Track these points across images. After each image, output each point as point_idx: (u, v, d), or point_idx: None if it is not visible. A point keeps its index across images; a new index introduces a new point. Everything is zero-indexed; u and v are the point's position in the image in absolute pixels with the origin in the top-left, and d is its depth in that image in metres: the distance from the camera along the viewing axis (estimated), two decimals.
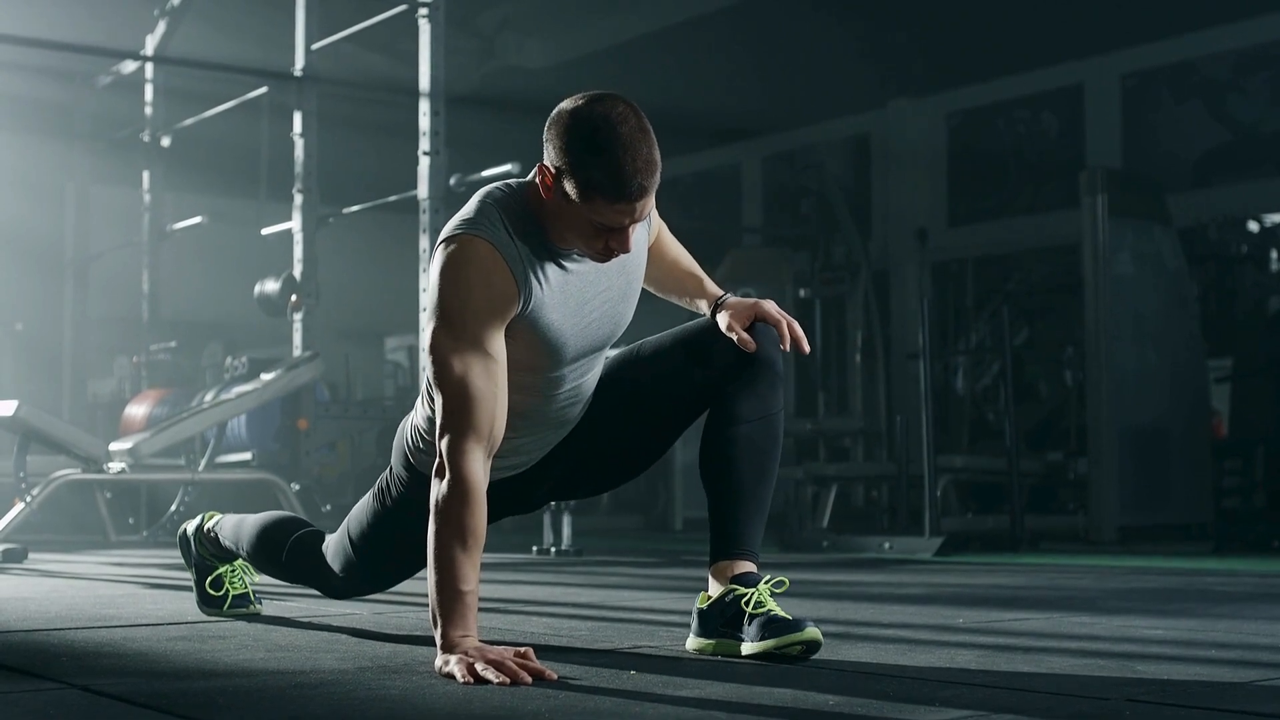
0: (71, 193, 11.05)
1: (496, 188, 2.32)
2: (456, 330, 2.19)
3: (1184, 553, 6.48)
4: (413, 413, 2.53)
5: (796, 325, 2.43)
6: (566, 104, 2.21)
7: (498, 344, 2.22)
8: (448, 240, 2.24)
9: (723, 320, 2.43)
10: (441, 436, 2.20)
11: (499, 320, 2.22)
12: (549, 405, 2.41)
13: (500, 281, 2.21)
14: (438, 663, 2.11)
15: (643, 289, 2.52)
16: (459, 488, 2.16)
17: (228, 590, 3.03)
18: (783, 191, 12.43)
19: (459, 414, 2.18)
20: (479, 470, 2.19)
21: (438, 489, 2.18)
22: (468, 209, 2.28)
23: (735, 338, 2.39)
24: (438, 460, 2.20)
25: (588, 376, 2.44)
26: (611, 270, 2.36)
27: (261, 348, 9.39)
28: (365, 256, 11.72)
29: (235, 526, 2.91)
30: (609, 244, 2.23)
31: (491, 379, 2.20)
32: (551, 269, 2.28)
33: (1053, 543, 7.25)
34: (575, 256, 2.30)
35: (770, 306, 2.43)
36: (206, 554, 3.02)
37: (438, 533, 2.17)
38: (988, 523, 7.27)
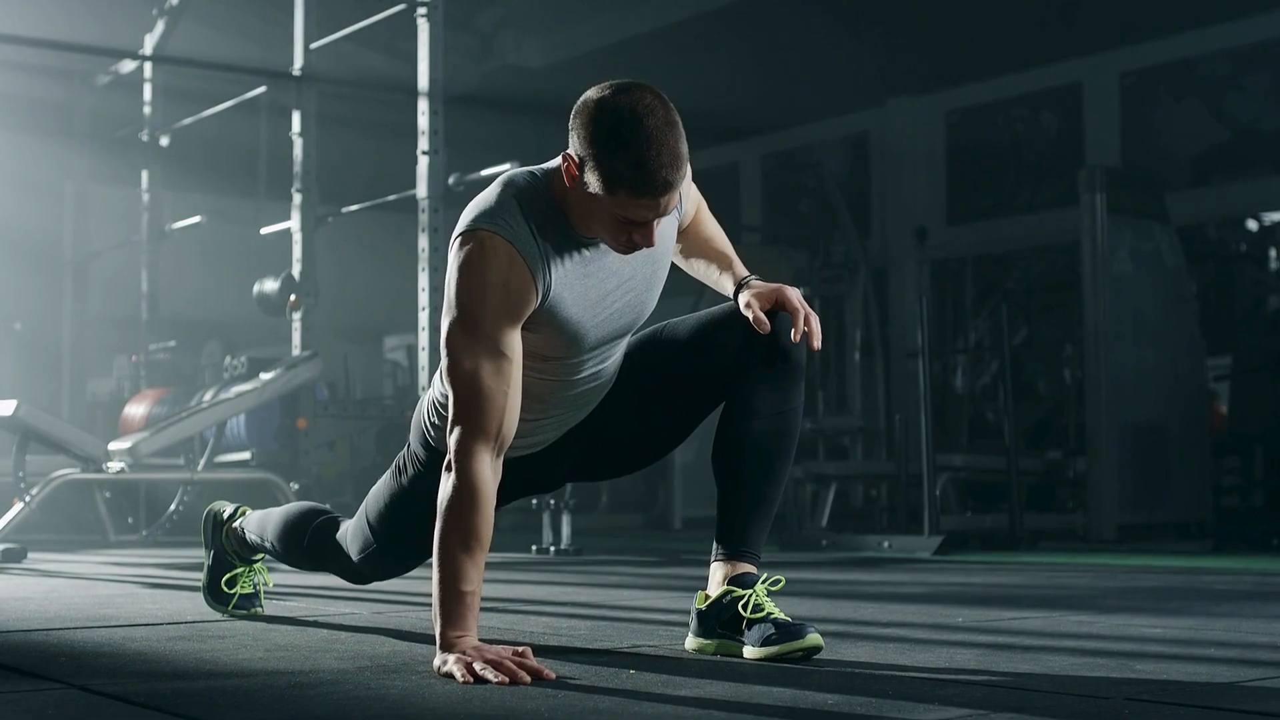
0: (70, 192, 11.04)
1: (520, 174, 2.27)
2: (471, 328, 2.18)
3: (1183, 551, 6.49)
4: (430, 389, 2.49)
5: (814, 318, 2.38)
6: (593, 93, 2.16)
7: (512, 342, 2.20)
8: (467, 235, 2.20)
9: (743, 299, 2.40)
10: (451, 432, 2.19)
11: (515, 319, 2.20)
12: (568, 390, 2.39)
13: (518, 281, 2.18)
14: (436, 662, 2.11)
15: (671, 263, 2.47)
16: (465, 489, 2.16)
17: (238, 591, 3.03)
18: (782, 190, 12.44)
19: (469, 413, 2.17)
20: (486, 471, 2.18)
21: (445, 488, 2.18)
22: (488, 198, 2.24)
23: (751, 316, 2.35)
24: (447, 457, 2.20)
25: (609, 362, 2.42)
26: (637, 258, 2.31)
27: (260, 347, 9.39)
28: (364, 256, 11.72)
29: (260, 521, 2.90)
30: (632, 237, 2.19)
31: (503, 378, 2.19)
32: (572, 261, 2.24)
33: (1052, 541, 7.25)
34: (599, 245, 2.27)
35: (792, 294, 2.39)
36: (229, 549, 3.01)
37: (442, 533, 2.16)
38: (987, 521, 7.27)
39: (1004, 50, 10.52)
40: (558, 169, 2.22)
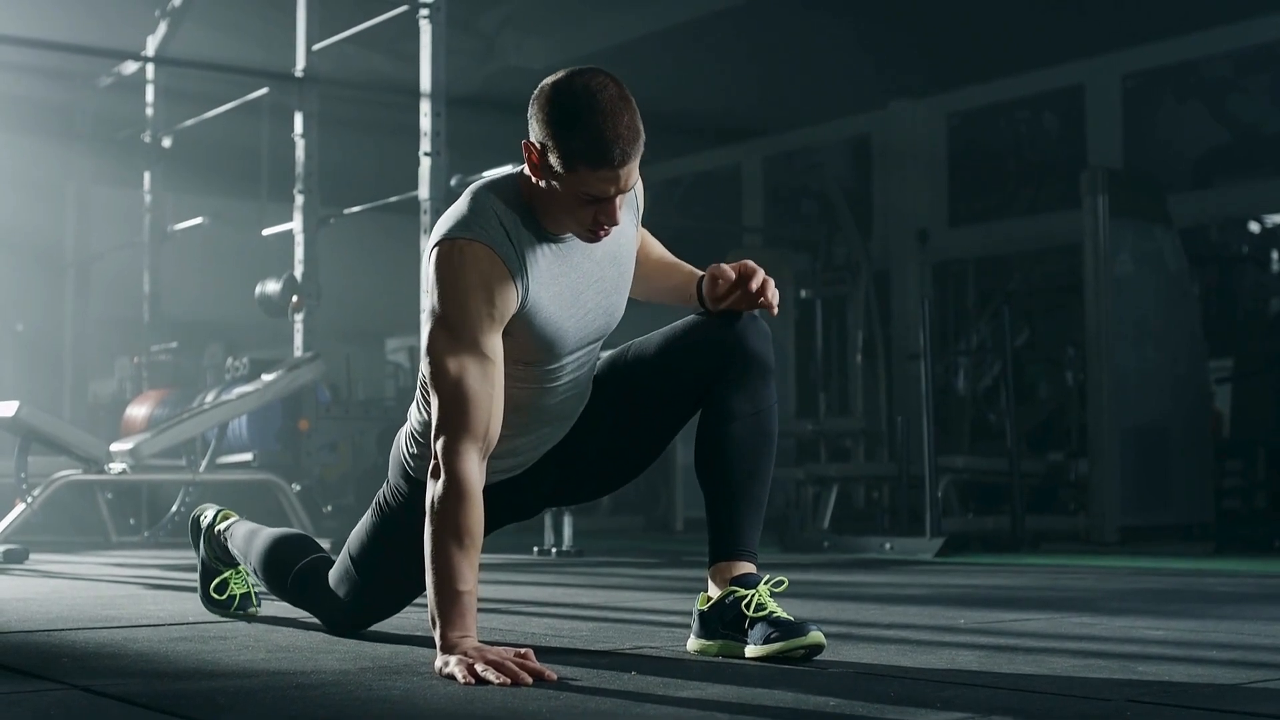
0: (72, 193, 11.05)
1: (486, 182, 2.32)
2: (454, 332, 2.20)
3: (1185, 553, 6.48)
4: (407, 423, 2.52)
5: (771, 283, 2.42)
6: (548, 80, 2.23)
7: (495, 345, 2.23)
8: (443, 244, 2.23)
9: (707, 280, 2.45)
10: (437, 438, 2.20)
11: (497, 323, 2.23)
12: (548, 398, 2.40)
13: (499, 285, 2.22)
14: (437, 664, 2.11)
15: (631, 298, 2.52)
16: (455, 487, 2.16)
17: (232, 594, 3.03)
18: (784, 192, 12.44)
19: (455, 415, 2.19)
20: (475, 470, 2.19)
21: (433, 489, 2.18)
22: (461, 206, 2.28)
23: (714, 279, 2.41)
24: (433, 461, 2.20)
25: (585, 369, 2.44)
26: (604, 260, 2.37)
27: (262, 348, 9.40)
28: (366, 257, 11.72)
29: (246, 539, 2.88)
30: (597, 217, 2.23)
31: (488, 381, 2.21)
32: (546, 259, 2.28)
33: (1054, 543, 7.25)
34: (569, 243, 2.31)
35: (752, 263, 2.43)
36: (213, 556, 3.01)
37: (434, 533, 2.17)
38: (988, 523, 7.26)
39: (1006, 52, 10.51)
40: (522, 170, 2.27)
